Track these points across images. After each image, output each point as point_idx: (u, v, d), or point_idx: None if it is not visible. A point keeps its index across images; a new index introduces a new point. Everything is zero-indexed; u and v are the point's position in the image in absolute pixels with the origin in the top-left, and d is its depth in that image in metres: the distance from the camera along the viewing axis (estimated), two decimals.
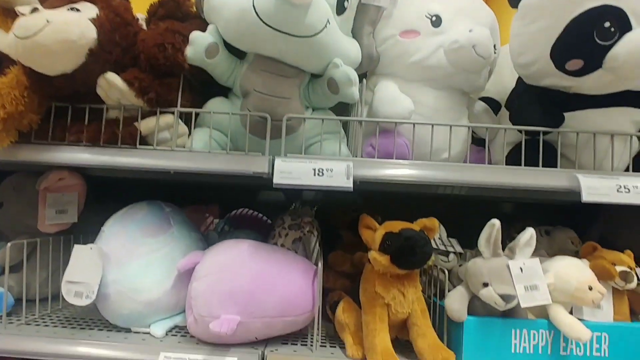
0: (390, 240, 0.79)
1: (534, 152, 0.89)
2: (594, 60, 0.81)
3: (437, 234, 1.10)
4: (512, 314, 0.85)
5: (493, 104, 1.18)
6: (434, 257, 1.02)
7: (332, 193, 1.58)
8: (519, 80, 1.01)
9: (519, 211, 1.59)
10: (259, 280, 0.84)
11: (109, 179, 1.25)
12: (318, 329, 0.88)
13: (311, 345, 0.89)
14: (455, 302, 0.82)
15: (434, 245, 1.05)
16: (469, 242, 1.03)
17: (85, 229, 1.06)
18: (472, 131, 1.12)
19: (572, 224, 1.30)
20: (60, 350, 0.86)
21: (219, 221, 1.41)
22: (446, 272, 0.88)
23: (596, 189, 0.81)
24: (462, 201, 1.34)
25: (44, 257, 1.05)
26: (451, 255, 1.05)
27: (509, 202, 1.57)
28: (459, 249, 1.05)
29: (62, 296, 1.08)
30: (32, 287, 1.03)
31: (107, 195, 1.22)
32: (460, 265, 1.04)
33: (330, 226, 1.32)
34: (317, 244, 1.15)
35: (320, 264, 0.87)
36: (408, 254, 0.76)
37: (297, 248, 1.12)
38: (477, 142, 1.17)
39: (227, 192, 1.54)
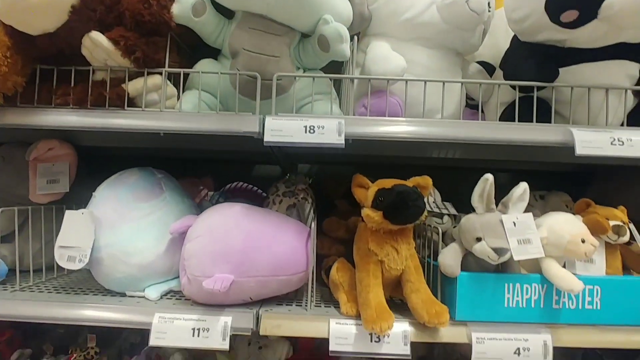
0: (383, 196, 0.78)
1: (528, 109, 0.88)
2: (589, 10, 0.79)
3: (431, 194, 1.10)
4: (505, 270, 0.85)
5: (488, 68, 1.16)
6: (429, 219, 1.01)
7: (326, 165, 1.58)
8: (514, 38, 0.99)
9: (514, 180, 1.59)
10: (251, 239, 0.83)
11: (101, 151, 1.24)
12: (312, 289, 0.88)
13: (306, 306, 0.89)
14: (449, 257, 0.82)
15: (428, 208, 1.04)
16: (463, 210, 1.03)
17: (78, 200, 1.05)
18: (466, 96, 1.11)
19: (567, 193, 1.30)
20: (55, 314, 0.86)
21: (213, 193, 1.40)
22: (440, 230, 0.88)
23: (590, 142, 0.81)
24: (456, 170, 1.34)
25: (36, 228, 1.05)
26: (445, 218, 1.04)
27: (503, 172, 1.56)
28: (453, 211, 1.05)
29: (57, 266, 1.09)
30: (25, 257, 1.03)
31: (98, 167, 1.20)
32: (454, 227, 1.04)
33: (325, 197, 1.32)
34: (312, 211, 1.15)
35: (314, 225, 0.87)
36: (401, 208, 0.76)
37: (292, 214, 1.12)
38: (472, 107, 1.17)
39: (222, 166, 1.54)
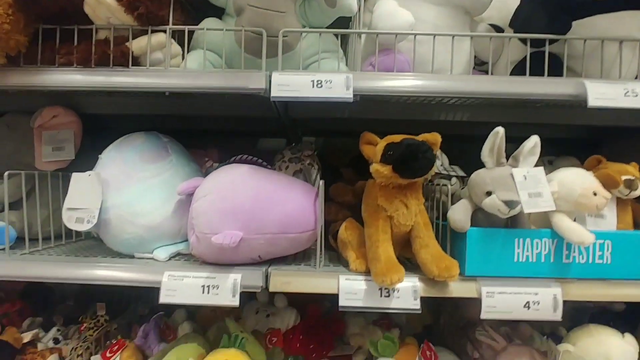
0: (392, 150, 0.77)
1: (539, 65, 0.86)
2: None
3: (438, 157, 1.09)
4: (514, 226, 0.84)
5: (497, 30, 1.14)
6: (437, 182, 1.01)
7: (331, 138, 1.56)
8: None
9: None
10: (260, 197, 0.83)
11: (105, 121, 1.23)
12: (321, 247, 0.88)
13: (315, 265, 0.89)
14: (459, 212, 0.82)
15: (436, 170, 1.04)
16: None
17: (83, 168, 1.04)
18: (474, 59, 1.09)
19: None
20: (65, 274, 0.86)
21: (217, 165, 1.39)
22: (449, 187, 0.87)
23: (603, 94, 0.79)
24: (463, 138, 1.32)
25: (43, 195, 1.05)
26: (453, 179, 1.04)
27: (512, 140, 1.55)
28: (460, 173, 1.04)
29: (65, 234, 1.09)
30: (33, 225, 1.03)
31: (103, 138, 1.20)
32: (462, 189, 1.03)
33: (330, 166, 1.31)
34: (318, 177, 1.14)
35: (321, 184, 0.86)
36: (410, 161, 0.75)
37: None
38: (480, 71, 1.14)
39: (227, 140, 1.53)
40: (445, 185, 0.90)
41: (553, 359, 0.91)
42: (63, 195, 0.97)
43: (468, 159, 0.95)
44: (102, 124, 1.20)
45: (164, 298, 0.81)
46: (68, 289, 1.54)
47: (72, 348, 1.11)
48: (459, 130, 1.30)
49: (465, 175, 1.03)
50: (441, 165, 1.08)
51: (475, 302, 1.26)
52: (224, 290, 0.81)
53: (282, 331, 1.22)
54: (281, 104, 1.05)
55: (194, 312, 1.34)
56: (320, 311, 1.28)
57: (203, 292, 0.81)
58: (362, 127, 1.29)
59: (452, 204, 0.97)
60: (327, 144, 1.56)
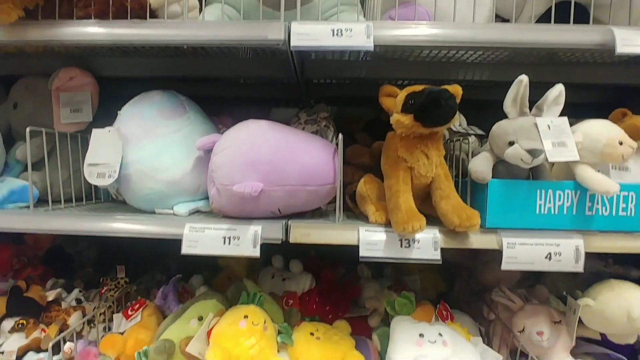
0: (414, 99, 0.76)
1: (564, 15, 0.84)
2: None
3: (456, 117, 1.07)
4: (536, 179, 0.83)
5: None
6: (455, 138, 0.99)
7: (345, 107, 1.54)
8: None
9: None
10: (279, 149, 0.83)
11: (120, 85, 1.23)
12: (340, 201, 0.88)
13: (334, 220, 0.89)
14: (479, 164, 0.81)
15: (454, 129, 1.03)
16: None
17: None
18: (496, 16, 1.06)
19: None
20: (88, 227, 0.88)
21: None
22: (469, 142, 0.86)
23: (631, 40, 0.77)
24: (481, 103, 1.30)
25: (63, 157, 1.06)
26: (472, 138, 1.02)
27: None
28: (479, 132, 1.02)
29: (85, 195, 1.11)
30: (55, 186, 1.04)
31: (119, 101, 1.20)
32: (481, 147, 1.02)
33: (346, 133, 1.30)
34: (334, 139, 1.13)
35: (340, 137, 0.86)
36: (433, 108, 0.74)
37: None
38: None
39: (240, 108, 1.52)
40: (466, 139, 0.89)
41: (572, 313, 0.91)
42: (82, 157, 0.98)
43: (486, 125, 0.94)
44: (118, 87, 1.21)
45: (185, 249, 0.82)
46: (87, 257, 1.57)
47: (94, 307, 1.14)
48: (477, 95, 1.28)
49: (483, 134, 1.02)
50: (459, 125, 1.06)
51: (492, 267, 1.27)
52: (244, 241, 0.82)
53: (298, 294, 1.23)
54: (298, 62, 1.04)
55: (209, 279, 1.37)
56: (335, 276, 1.29)
57: (224, 243, 0.82)
58: (377, 92, 1.28)
59: None
60: (341, 112, 1.55)
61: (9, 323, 1.04)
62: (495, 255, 1.24)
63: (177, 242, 1.20)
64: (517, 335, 1.00)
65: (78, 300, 1.20)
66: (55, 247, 1.47)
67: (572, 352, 0.96)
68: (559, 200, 0.81)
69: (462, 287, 1.38)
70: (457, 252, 1.44)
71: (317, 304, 1.20)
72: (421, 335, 0.93)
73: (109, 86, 1.12)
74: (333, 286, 1.26)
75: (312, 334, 1.00)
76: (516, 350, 1.00)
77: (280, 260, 1.38)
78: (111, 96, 1.19)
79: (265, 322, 0.96)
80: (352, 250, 1.34)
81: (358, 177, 1.10)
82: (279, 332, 0.97)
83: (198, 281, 1.31)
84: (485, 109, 1.07)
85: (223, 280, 1.36)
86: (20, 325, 1.04)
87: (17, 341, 1.00)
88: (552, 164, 0.90)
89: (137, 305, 1.12)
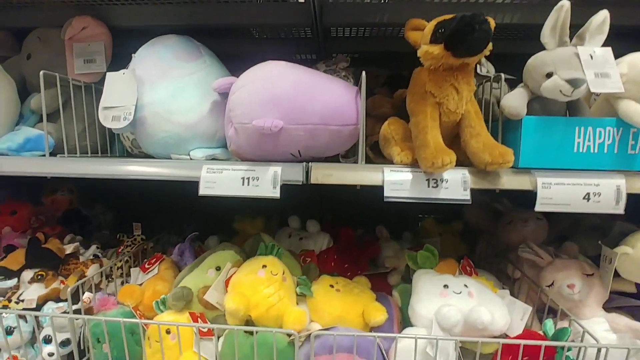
0: (444, 27, 0.71)
1: None
2: None
3: (484, 65, 1.01)
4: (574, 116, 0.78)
5: None
6: (485, 86, 0.94)
7: (366, 60, 1.47)
8: None
9: None
10: (300, 86, 0.79)
11: (133, 33, 1.20)
12: (363, 143, 0.84)
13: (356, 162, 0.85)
14: (514, 99, 0.76)
15: (482, 73, 0.97)
16: None
17: None
18: None
19: None
20: (105, 170, 0.86)
21: None
22: (502, 81, 0.81)
23: None
24: (508, 57, 1.24)
25: (79, 110, 1.04)
26: (502, 83, 0.96)
27: None
28: (509, 76, 0.96)
29: (101, 149, 1.09)
30: (70, 139, 1.03)
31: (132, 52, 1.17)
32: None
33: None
34: None
35: (363, 75, 0.81)
36: (465, 33, 0.68)
37: None
38: None
39: (257, 60, 1.48)
40: (497, 80, 0.83)
41: (608, 263, 0.86)
42: (97, 110, 0.96)
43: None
44: (130, 38, 1.17)
45: (203, 190, 0.80)
46: (103, 221, 1.57)
47: (112, 261, 1.13)
48: (504, 46, 1.21)
49: (514, 77, 0.96)
50: (487, 72, 1.01)
51: (516, 226, 1.22)
52: (264, 181, 0.79)
53: (316, 253, 1.21)
54: (318, 7, 0.98)
55: (225, 241, 1.35)
56: (353, 234, 1.26)
57: (243, 184, 0.79)
58: (397, 46, 1.22)
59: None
60: (360, 68, 1.50)
61: (28, 274, 1.04)
62: (520, 214, 1.19)
63: (194, 205, 1.19)
64: (546, 289, 0.95)
65: (95, 256, 1.20)
66: (73, 209, 1.47)
67: (605, 307, 0.92)
68: (599, 137, 0.76)
69: (483, 249, 1.34)
70: (479, 215, 1.40)
71: (336, 261, 1.17)
72: (445, 286, 0.90)
73: (121, 37, 1.09)
74: (351, 244, 1.23)
75: (331, 286, 0.98)
76: (543, 309, 0.96)
77: (297, 220, 1.36)
78: (124, 47, 1.16)
79: (284, 273, 0.94)
80: (371, 209, 1.31)
81: (379, 129, 1.06)
82: (298, 284, 0.95)
83: (214, 242, 1.29)
84: (514, 61, 1.02)
85: (239, 243, 1.34)
86: (39, 277, 1.04)
87: (36, 291, 1.00)
88: (590, 105, 0.84)
89: (154, 260, 1.11)
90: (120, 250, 1.25)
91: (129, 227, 1.33)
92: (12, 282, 1.03)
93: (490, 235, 1.34)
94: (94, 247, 1.22)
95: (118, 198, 1.52)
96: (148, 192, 1.48)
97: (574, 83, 0.70)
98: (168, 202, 1.52)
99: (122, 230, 1.34)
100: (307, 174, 0.80)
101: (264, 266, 0.92)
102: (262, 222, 1.31)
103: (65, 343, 0.89)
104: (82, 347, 0.93)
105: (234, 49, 1.35)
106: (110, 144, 1.12)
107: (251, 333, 0.84)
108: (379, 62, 1.45)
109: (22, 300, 0.98)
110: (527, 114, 0.77)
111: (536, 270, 1.04)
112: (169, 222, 1.50)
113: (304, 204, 1.43)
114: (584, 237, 1.22)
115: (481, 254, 1.35)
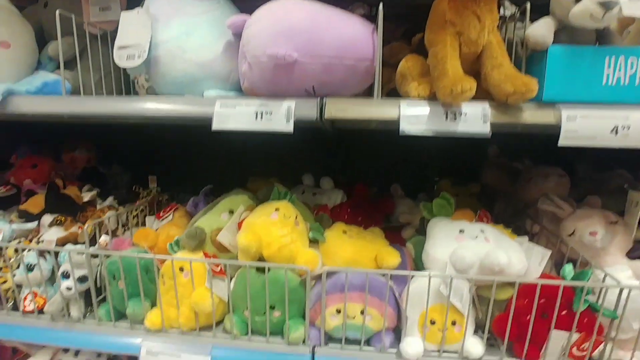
0: None
1: None
2: None
3: (508, 7, 0.97)
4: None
5: None
6: (508, 26, 0.90)
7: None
8: None
9: None
10: (316, 18, 0.77)
11: None
12: (379, 78, 0.81)
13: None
14: (540, 27, 0.72)
15: (505, 14, 0.93)
16: None
17: None
18: None
19: None
20: (119, 109, 0.86)
21: None
22: (527, 17, 0.76)
23: None
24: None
25: (95, 59, 1.05)
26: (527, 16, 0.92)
27: None
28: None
29: None
30: (87, 87, 1.03)
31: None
32: None
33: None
34: None
35: (380, 8, 0.78)
36: None
37: None
38: None
39: None
40: (521, 19, 0.79)
41: (634, 206, 0.82)
42: (113, 60, 0.96)
43: None
44: None
45: (216, 125, 0.79)
46: (120, 181, 1.60)
47: (128, 209, 1.15)
48: None
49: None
50: (509, 13, 0.96)
51: (537, 182, 1.18)
52: (277, 115, 0.78)
53: (330, 207, 1.20)
54: None
55: None
56: (367, 190, 1.25)
57: (256, 119, 0.78)
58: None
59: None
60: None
61: (48, 218, 1.06)
62: (542, 170, 1.15)
63: (210, 166, 1.18)
64: (566, 239, 0.92)
65: (112, 207, 1.22)
66: (91, 167, 1.50)
67: (629, 256, 0.89)
68: (631, 68, 0.71)
69: (501, 209, 1.31)
70: (497, 175, 1.36)
71: (350, 214, 1.16)
72: (461, 231, 0.88)
73: None
74: (366, 200, 1.22)
75: (344, 232, 0.97)
76: (562, 263, 0.92)
77: (311, 178, 1.35)
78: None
79: (296, 218, 0.93)
80: (386, 172, 1.28)
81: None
82: (311, 230, 0.94)
83: None
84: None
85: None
86: (58, 222, 1.06)
87: (56, 234, 1.03)
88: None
89: (169, 208, 1.12)
90: (137, 204, 1.27)
91: (146, 186, 1.35)
92: (32, 225, 1.06)
93: (508, 196, 1.30)
94: (110, 198, 1.24)
95: (135, 159, 1.54)
96: (164, 154, 1.50)
97: (605, 5, 0.66)
98: (184, 164, 1.54)
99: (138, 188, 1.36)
100: (322, 109, 0.79)
101: (277, 209, 0.91)
102: (276, 182, 1.30)
103: (82, 279, 0.91)
104: (98, 286, 0.95)
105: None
106: (126, 93, 1.13)
107: (263, 271, 0.84)
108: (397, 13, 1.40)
109: (42, 241, 1.00)
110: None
111: (556, 225, 1.00)
112: (185, 182, 1.52)
113: (319, 166, 1.42)
114: (607, 198, 1.18)
115: (499, 214, 1.31)
